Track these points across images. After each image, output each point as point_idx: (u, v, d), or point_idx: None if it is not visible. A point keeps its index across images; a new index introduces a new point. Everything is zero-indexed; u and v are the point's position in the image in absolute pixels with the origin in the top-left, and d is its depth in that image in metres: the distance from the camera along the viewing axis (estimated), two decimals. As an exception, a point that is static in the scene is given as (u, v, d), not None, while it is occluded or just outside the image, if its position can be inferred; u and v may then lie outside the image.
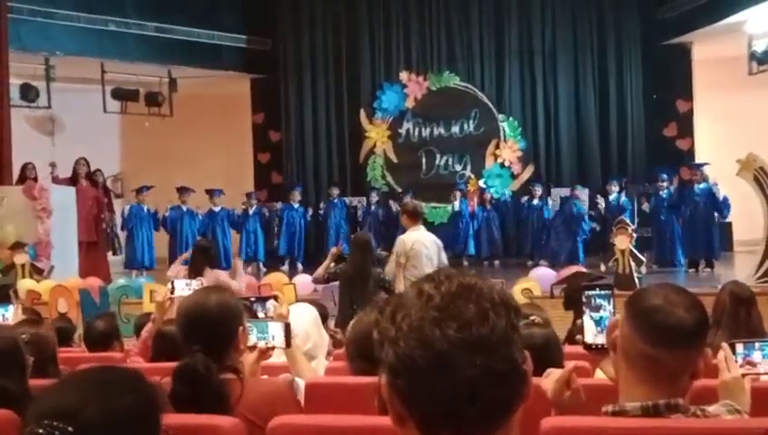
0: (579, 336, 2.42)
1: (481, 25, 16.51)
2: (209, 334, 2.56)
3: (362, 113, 16.77)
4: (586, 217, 14.13)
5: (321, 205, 15.89)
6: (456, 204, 15.28)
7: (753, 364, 2.52)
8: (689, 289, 2.12)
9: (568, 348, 3.52)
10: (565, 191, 15.08)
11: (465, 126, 16.46)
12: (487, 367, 1.08)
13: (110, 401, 1.35)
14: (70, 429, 1.29)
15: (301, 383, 3.10)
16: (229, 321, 2.63)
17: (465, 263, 14.57)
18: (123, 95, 15.49)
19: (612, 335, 2.02)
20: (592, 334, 2.35)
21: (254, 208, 15.33)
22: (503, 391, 1.10)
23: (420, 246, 7.32)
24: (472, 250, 15.13)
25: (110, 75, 15.31)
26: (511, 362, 1.11)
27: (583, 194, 14.87)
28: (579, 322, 2.75)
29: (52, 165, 13.75)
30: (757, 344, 2.58)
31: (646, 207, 13.82)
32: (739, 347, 2.54)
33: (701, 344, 1.96)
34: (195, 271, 6.82)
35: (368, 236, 7.91)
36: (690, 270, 12.97)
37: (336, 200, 15.71)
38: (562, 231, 14.29)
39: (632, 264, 9.68)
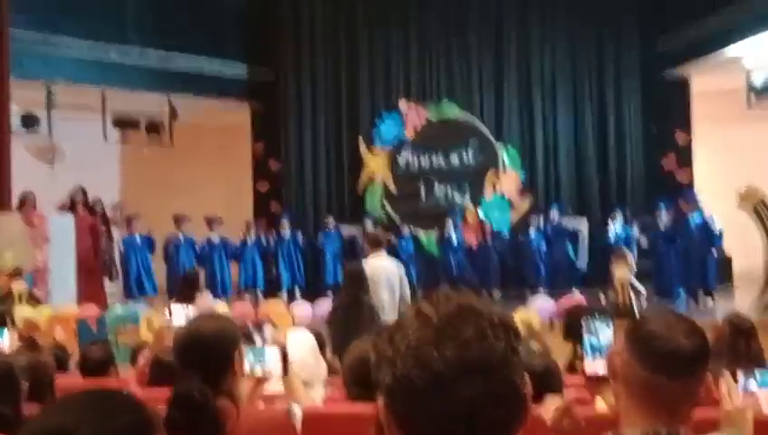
0: (579, 364, 2.40)
1: (480, 55, 16.60)
2: (205, 360, 2.54)
3: (361, 143, 16.79)
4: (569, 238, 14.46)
5: (319, 235, 15.80)
6: (451, 232, 15.17)
7: (752, 394, 2.51)
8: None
9: (568, 377, 3.50)
10: (563, 221, 15.09)
11: (465, 156, 16.45)
12: (485, 388, 1.07)
13: (106, 422, 1.33)
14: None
15: (297, 411, 3.08)
16: (225, 346, 2.62)
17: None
18: (124, 123, 15.52)
19: (612, 363, 2.01)
20: (592, 363, 2.34)
21: (252, 237, 15.29)
22: (501, 413, 1.09)
23: (381, 273, 7.42)
24: (469, 280, 15.06)
25: (111, 103, 15.36)
26: (509, 383, 1.10)
27: (582, 224, 14.96)
28: (579, 351, 2.74)
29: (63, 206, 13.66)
30: (757, 374, 2.57)
31: (643, 240, 13.77)
32: (739, 377, 2.53)
33: (701, 371, 1.95)
34: (185, 301, 6.83)
35: (361, 267, 7.92)
36: (690, 301, 12.92)
37: (332, 231, 15.66)
38: (550, 253, 14.59)
39: (632, 294, 9.63)
